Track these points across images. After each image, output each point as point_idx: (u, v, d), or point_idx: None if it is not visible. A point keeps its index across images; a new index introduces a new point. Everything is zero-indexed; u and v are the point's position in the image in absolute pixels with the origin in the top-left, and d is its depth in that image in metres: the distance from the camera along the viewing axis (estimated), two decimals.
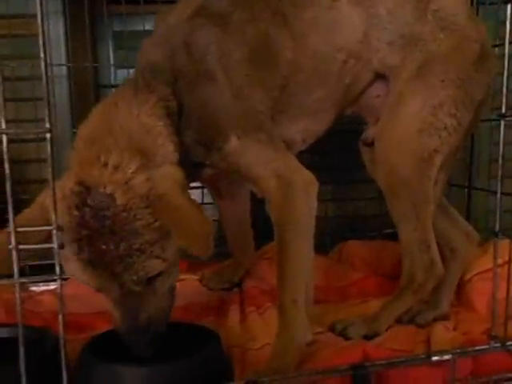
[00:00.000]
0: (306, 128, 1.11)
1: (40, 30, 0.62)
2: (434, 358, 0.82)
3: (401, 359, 0.82)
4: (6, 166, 0.62)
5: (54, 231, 0.64)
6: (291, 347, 0.91)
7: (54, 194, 0.65)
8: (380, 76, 1.10)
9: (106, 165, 0.78)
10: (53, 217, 0.64)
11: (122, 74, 1.60)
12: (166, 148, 0.87)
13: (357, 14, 1.04)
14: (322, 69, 1.05)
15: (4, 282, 0.69)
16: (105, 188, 0.76)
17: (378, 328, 1.07)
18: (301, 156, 1.09)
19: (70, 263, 0.79)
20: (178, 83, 0.95)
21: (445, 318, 1.14)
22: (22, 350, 0.65)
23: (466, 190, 1.61)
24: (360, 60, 1.07)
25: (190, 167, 0.94)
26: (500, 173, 0.81)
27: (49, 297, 1.32)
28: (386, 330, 1.08)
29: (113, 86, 1.63)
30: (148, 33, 1.53)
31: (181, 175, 0.81)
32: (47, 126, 0.63)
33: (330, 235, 1.61)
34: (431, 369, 0.83)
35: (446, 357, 0.82)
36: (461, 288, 1.25)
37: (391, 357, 0.85)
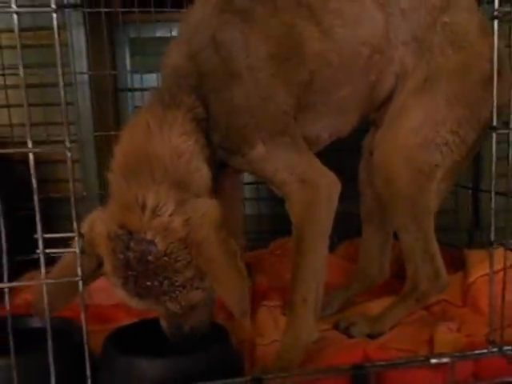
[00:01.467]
0: (331, 124, 1.11)
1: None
2: (433, 361, 0.84)
3: (400, 361, 0.86)
4: (33, 181, 0.68)
5: (76, 238, 0.71)
6: (297, 345, 0.95)
7: (75, 206, 0.71)
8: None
9: (144, 207, 0.81)
10: (74, 225, 0.71)
11: (137, 78, 1.67)
12: (201, 171, 0.90)
13: (375, 9, 1.04)
14: (348, 63, 1.04)
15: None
16: (145, 234, 0.80)
17: (380, 328, 1.10)
18: None
19: (118, 290, 0.85)
20: (203, 85, 0.95)
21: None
22: (49, 342, 0.71)
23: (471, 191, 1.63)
24: (383, 56, 1.06)
25: (217, 166, 0.98)
26: (493, 185, 0.83)
27: None
28: (390, 329, 1.11)
29: (129, 90, 1.70)
30: (160, 39, 1.61)
31: (217, 212, 0.83)
32: (67, 145, 0.70)
33: (336, 233, 1.64)
34: (430, 371, 0.87)
35: (445, 360, 0.85)
36: (466, 290, 1.27)
37: (391, 358, 0.90)
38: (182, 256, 0.80)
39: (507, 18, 0.80)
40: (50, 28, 0.66)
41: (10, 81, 1.50)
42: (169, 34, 1.57)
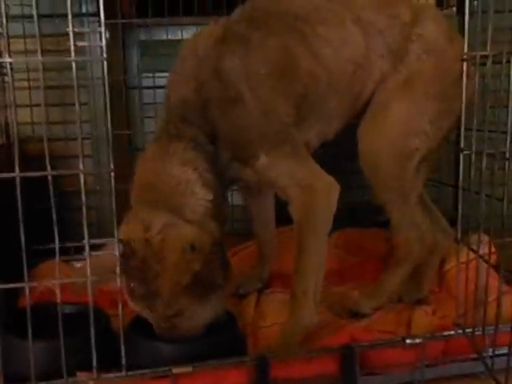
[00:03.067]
0: (321, 131, 1.26)
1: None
2: (408, 341, 1.02)
3: (381, 342, 1.03)
4: (83, 199, 0.82)
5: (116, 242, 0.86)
6: (297, 330, 1.10)
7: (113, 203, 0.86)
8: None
9: (141, 223, 1.00)
10: (115, 232, 0.86)
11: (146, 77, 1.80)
12: (196, 195, 1.05)
13: (357, 32, 1.21)
14: (336, 78, 1.20)
15: None
16: (134, 243, 0.97)
17: (384, 298, 1.26)
18: None
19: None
20: (211, 111, 1.08)
21: (425, 299, 1.32)
22: (92, 330, 0.86)
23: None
24: (365, 70, 1.22)
25: (227, 184, 1.15)
26: (461, 199, 0.98)
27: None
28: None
29: (138, 88, 1.82)
30: (170, 42, 1.72)
31: (191, 238, 0.98)
32: (111, 166, 0.83)
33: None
34: (406, 350, 1.03)
35: (418, 340, 1.02)
36: (442, 277, 1.44)
37: (374, 339, 1.06)
38: (153, 267, 0.96)
39: (473, 61, 0.93)
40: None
41: (32, 82, 1.60)
42: (179, 37, 1.71)
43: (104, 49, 0.78)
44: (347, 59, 1.20)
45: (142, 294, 0.98)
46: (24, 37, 1.61)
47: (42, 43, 1.67)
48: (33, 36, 1.58)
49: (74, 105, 1.57)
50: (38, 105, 1.60)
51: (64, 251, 0.91)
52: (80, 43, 0.81)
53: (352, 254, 1.64)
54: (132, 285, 0.98)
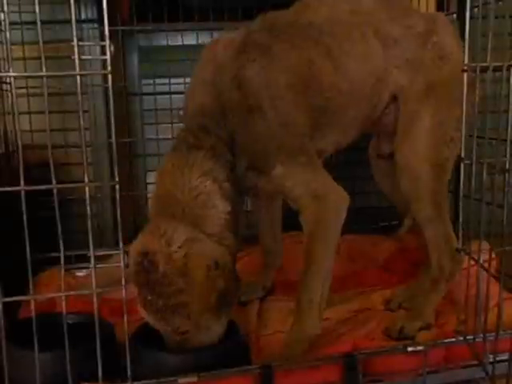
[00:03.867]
0: (336, 140, 1.28)
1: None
2: (410, 349, 1.03)
3: (383, 349, 1.04)
4: (88, 211, 0.82)
5: (121, 254, 0.87)
6: (302, 338, 1.11)
7: (119, 209, 0.86)
8: (393, 98, 1.27)
9: (162, 236, 0.98)
10: (120, 244, 0.87)
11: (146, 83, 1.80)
12: (217, 207, 1.05)
13: (377, 45, 1.22)
14: (357, 91, 1.22)
15: None
16: (154, 256, 0.97)
17: (428, 319, 1.23)
18: None
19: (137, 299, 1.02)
20: (229, 119, 1.09)
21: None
22: (98, 340, 0.87)
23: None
24: (383, 82, 1.24)
25: (244, 190, 1.15)
26: (461, 207, 0.99)
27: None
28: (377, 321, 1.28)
29: (138, 94, 1.83)
30: (170, 47, 1.73)
31: (214, 254, 0.99)
32: (116, 179, 0.84)
33: None
34: (408, 357, 1.04)
35: (420, 348, 1.03)
36: None
37: (376, 346, 1.07)
38: (176, 282, 0.96)
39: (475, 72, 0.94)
40: (70, 40, 0.78)
41: (31, 89, 1.60)
42: (179, 43, 1.72)
43: (108, 62, 0.79)
44: (369, 72, 1.22)
45: (159, 308, 0.97)
46: (22, 44, 1.61)
47: (41, 51, 1.67)
48: (31, 43, 1.60)
49: (73, 112, 1.61)
50: (37, 112, 1.60)
51: (66, 260, 0.91)
52: (84, 57, 0.81)
53: (353, 260, 1.65)
54: (149, 297, 0.97)
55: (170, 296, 0.96)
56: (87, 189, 0.82)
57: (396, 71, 1.24)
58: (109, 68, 0.78)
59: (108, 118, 1.69)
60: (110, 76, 0.79)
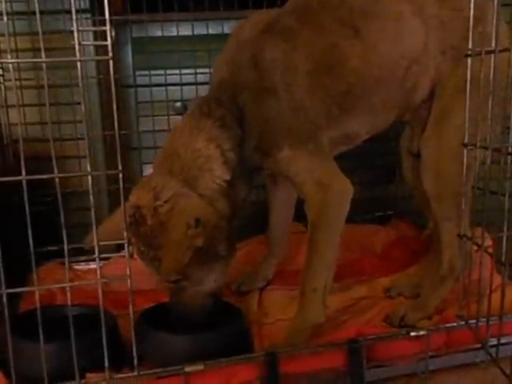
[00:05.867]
0: (368, 122, 1.23)
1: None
2: (412, 334, 1.04)
3: (386, 335, 1.05)
4: (91, 201, 0.81)
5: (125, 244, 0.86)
6: (305, 327, 1.11)
7: (125, 213, 0.85)
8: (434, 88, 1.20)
9: (152, 190, 1.02)
10: (124, 233, 0.86)
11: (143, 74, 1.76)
12: (213, 172, 1.07)
13: (418, 25, 1.15)
14: (387, 74, 1.16)
15: None
16: (144, 209, 1.01)
17: (429, 311, 1.23)
18: None
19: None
20: (242, 96, 1.11)
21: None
22: (104, 330, 0.86)
23: None
24: (420, 65, 1.17)
25: (250, 172, 1.16)
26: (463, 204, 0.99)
27: (92, 276, 1.53)
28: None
29: (132, 87, 1.79)
30: (165, 38, 1.70)
31: (200, 212, 1.01)
32: (120, 167, 0.83)
33: None
34: (411, 342, 1.05)
35: (422, 332, 1.04)
36: None
37: (379, 332, 1.07)
38: (160, 235, 1.00)
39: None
40: (61, 31, 0.77)
41: (24, 81, 1.57)
42: (174, 34, 1.69)
43: (109, 47, 0.77)
44: (402, 54, 1.15)
45: (150, 258, 1.03)
46: (14, 35, 1.58)
47: (33, 42, 1.64)
48: (23, 34, 1.57)
49: (67, 105, 1.59)
50: (30, 105, 1.58)
51: (62, 253, 0.91)
52: (85, 43, 0.79)
53: (351, 249, 1.65)
54: (142, 248, 1.03)
55: (157, 248, 1.01)
56: (90, 178, 0.81)
57: (440, 57, 1.17)
58: (110, 54, 0.77)
59: (102, 110, 1.67)
60: (111, 62, 0.77)
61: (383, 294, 1.42)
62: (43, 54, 0.82)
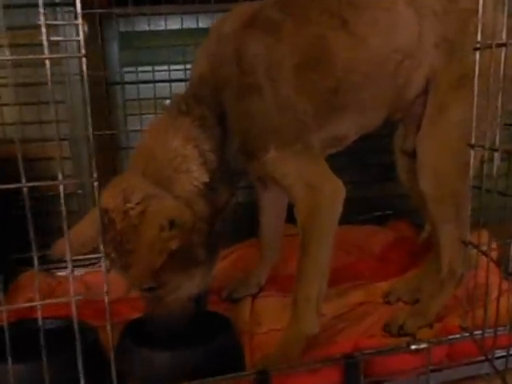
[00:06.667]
0: (356, 122, 1.17)
1: None
2: (413, 347, 0.97)
3: (385, 349, 0.98)
4: (63, 214, 0.74)
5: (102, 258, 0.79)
6: (298, 338, 1.05)
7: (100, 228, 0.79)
8: (427, 84, 1.13)
9: (122, 191, 0.95)
10: (101, 246, 0.79)
11: (130, 71, 1.69)
12: (190, 173, 1.00)
13: (411, 16, 1.08)
14: (378, 69, 1.10)
15: None
16: (112, 213, 0.94)
17: (430, 319, 1.17)
18: None
19: None
20: (223, 93, 1.04)
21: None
22: (78, 348, 0.80)
23: None
24: (414, 60, 1.10)
25: (233, 175, 1.09)
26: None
27: (75, 284, 1.46)
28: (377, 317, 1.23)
29: (120, 84, 1.73)
30: (153, 33, 1.63)
31: (173, 214, 0.93)
32: (95, 175, 0.76)
33: None
34: (411, 355, 0.98)
35: (423, 345, 0.98)
36: None
37: (377, 345, 1.01)
38: (131, 240, 0.93)
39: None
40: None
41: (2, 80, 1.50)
42: (162, 28, 1.61)
43: (82, 44, 0.70)
44: (394, 48, 1.09)
45: (122, 265, 0.96)
46: None
47: (13, 37, 1.56)
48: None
49: (49, 103, 1.51)
50: (7, 104, 1.51)
51: (44, 260, 0.85)
52: (54, 38, 0.72)
53: (348, 251, 1.60)
54: (112, 255, 0.95)
55: (128, 254, 0.94)
56: (62, 187, 0.74)
57: (433, 51, 1.11)
58: (83, 51, 0.70)
59: (87, 109, 1.59)
60: (84, 59, 0.70)
61: (381, 299, 1.36)
62: (8, 52, 0.75)
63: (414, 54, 1.11)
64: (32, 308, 1.29)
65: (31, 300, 1.33)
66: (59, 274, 1.55)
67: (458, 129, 1.10)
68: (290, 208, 1.30)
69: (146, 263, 0.93)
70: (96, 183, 0.74)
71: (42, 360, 0.79)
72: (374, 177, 1.88)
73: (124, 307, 1.29)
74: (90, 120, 0.74)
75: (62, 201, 0.75)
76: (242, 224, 1.59)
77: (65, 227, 0.76)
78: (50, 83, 0.74)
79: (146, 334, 1.03)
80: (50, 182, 0.76)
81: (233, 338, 1.06)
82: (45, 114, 1.52)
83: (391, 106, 1.18)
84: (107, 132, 1.63)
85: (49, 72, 0.73)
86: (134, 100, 1.66)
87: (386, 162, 1.75)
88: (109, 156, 1.67)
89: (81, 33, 0.69)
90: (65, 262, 0.87)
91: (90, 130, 0.77)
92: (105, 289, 0.79)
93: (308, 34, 1.06)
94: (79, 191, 1.58)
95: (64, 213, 0.74)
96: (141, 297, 1.05)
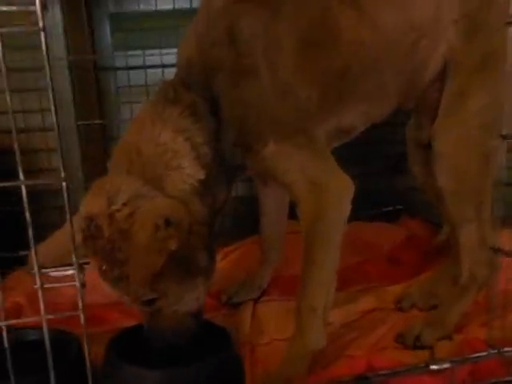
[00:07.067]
0: (366, 112, 1.07)
1: None
2: (433, 367, 0.86)
3: (402, 369, 0.87)
4: (27, 214, 0.64)
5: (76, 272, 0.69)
6: (303, 355, 0.94)
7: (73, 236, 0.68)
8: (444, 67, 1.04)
9: (106, 193, 0.82)
10: (73, 258, 0.68)
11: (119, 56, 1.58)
12: (182, 169, 0.88)
13: None
14: (391, 50, 1.00)
15: None
16: (98, 219, 0.81)
17: (449, 329, 1.07)
18: None
19: None
20: (215, 79, 0.93)
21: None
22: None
23: None
24: (431, 39, 1.00)
25: (229, 170, 0.97)
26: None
27: (67, 287, 1.36)
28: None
29: (112, 69, 1.61)
30: (143, 14, 1.51)
31: (167, 212, 0.81)
32: (62, 175, 0.65)
33: None
34: (430, 376, 0.88)
35: (446, 365, 0.87)
36: None
37: (393, 363, 0.90)
38: (123, 247, 0.81)
39: None
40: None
41: None
42: (153, 8, 1.49)
43: (39, 15, 0.58)
44: (409, 26, 0.99)
45: (116, 277, 0.83)
46: None
47: None
48: None
49: (34, 91, 1.40)
50: None
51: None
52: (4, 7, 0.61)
53: (356, 251, 1.48)
54: (104, 267, 0.83)
55: (121, 263, 0.82)
56: (24, 187, 0.63)
57: (453, 28, 1.00)
58: (40, 23, 0.58)
59: (75, 97, 1.48)
60: (42, 34, 0.59)
61: (393, 305, 1.25)
62: None
63: (432, 31, 1.00)
64: (19, 311, 1.23)
65: (18, 304, 1.27)
66: (52, 274, 1.45)
67: (480, 117, 1.00)
68: (293, 203, 1.20)
69: (144, 269, 0.81)
70: (64, 183, 0.64)
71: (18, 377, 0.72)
72: (384, 168, 1.77)
73: (114, 312, 1.20)
74: (53, 108, 0.62)
75: (26, 207, 0.65)
76: (244, 220, 1.49)
77: (30, 234, 0.65)
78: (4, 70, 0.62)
79: (133, 348, 0.93)
80: (50, 181, 0.67)
81: (232, 353, 0.95)
82: (28, 102, 1.41)
83: (404, 92, 1.07)
84: (96, 122, 1.51)
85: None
86: (123, 87, 1.56)
87: (396, 153, 1.66)
88: (99, 147, 1.56)
89: (37, 2, 0.57)
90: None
91: (55, 119, 0.66)
92: (80, 305, 0.68)
93: (311, 10, 0.95)
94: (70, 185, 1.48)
95: (28, 219, 0.63)
96: (140, 312, 0.92)
